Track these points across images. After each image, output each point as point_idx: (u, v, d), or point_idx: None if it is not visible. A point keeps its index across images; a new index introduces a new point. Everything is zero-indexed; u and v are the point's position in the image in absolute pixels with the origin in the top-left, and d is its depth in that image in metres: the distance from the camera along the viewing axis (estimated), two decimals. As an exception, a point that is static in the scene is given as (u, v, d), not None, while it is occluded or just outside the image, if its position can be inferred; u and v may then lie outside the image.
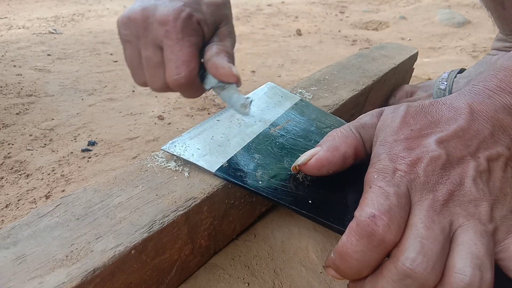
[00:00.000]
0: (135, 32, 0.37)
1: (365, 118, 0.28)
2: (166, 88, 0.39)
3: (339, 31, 1.34)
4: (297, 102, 0.41)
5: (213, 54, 0.37)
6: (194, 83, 0.37)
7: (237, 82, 0.37)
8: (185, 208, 0.27)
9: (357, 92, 0.47)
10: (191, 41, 0.36)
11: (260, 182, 0.28)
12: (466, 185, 0.22)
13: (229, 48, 0.40)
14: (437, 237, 0.20)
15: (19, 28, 1.19)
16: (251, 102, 0.37)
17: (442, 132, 0.24)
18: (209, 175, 0.30)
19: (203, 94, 0.71)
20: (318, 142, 0.28)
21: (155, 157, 0.32)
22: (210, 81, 0.38)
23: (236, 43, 0.44)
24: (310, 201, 0.26)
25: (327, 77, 0.51)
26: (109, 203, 0.27)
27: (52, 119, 0.60)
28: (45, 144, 0.53)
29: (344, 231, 0.22)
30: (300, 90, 0.46)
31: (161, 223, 0.25)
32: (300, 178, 0.29)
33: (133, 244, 0.23)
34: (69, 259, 0.22)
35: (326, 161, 0.26)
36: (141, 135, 0.56)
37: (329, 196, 0.27)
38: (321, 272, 0.33)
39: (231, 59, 0.38)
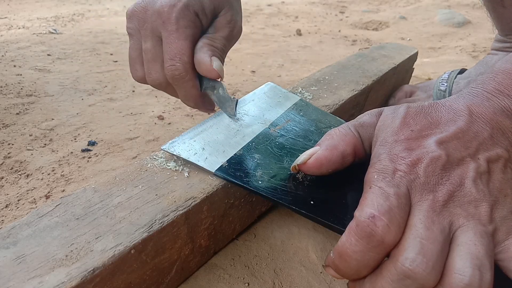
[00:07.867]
0: (136, 24, 0.38)
1: (364, 117, 0.28)
2: (163, 83, 0.38)
3: (339, 31, 1.34)
4: (297, 102, 0.41)
5: (197, 49, 0.36)
6: (189, 78, 0.36)
7: (217, 77, 0.36)
8: (185, 207, 0.27)
9: (357, 92, 0.47)
10: (186, 33, 0.35)
11: (260, 182, 0.28)
12: (466, 186, 0.22)
13: (218, 40, 0.38)
14: (437, 238, 0.20)
15: (19, 28, 1.19)
16: (236, 102, 0.37)
17: (442, 133, 0.24)
18: (209, 174, 0.30)
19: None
20: (318, 142, 0.28)
21: (155, 157, 0.32)
22: (204, 82, 0.38)
23: (236, 43, 0.43)
24: (310, 201, 0.26)
25: (327, 77, 0.51)
26: (109, 203, 0.27)
27: (52, 119, 0.60)
28: (45, 144, 0.53)
29: (344, 231, 0.22)
30: (300, 90, 0.46)
31: (161, 222, 0.25)
32: (300, 178, 0.29)
33: (132, 243, 0.24)
34: (69, 259, 0.22)
35: (325, 160, 0.26)
36: (141, 135, 0.56)
37: (329, 196, 0.27)
38: (321, 272, 0.33)
39: (216, 52, 0.37)
